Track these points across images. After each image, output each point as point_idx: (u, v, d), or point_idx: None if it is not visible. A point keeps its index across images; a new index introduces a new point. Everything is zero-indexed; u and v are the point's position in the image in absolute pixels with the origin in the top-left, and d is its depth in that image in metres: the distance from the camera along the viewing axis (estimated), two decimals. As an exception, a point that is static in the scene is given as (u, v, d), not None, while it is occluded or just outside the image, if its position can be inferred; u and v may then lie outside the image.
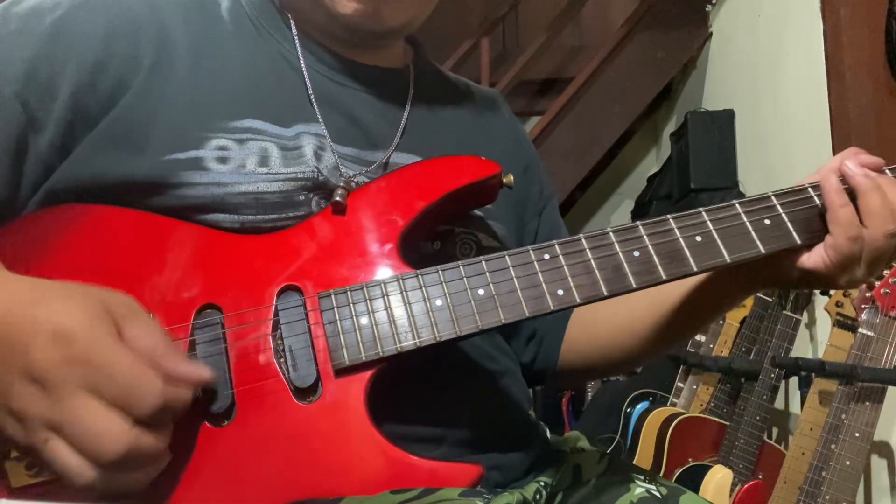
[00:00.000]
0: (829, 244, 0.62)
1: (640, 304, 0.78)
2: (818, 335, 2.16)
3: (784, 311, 1.95)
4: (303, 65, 0.72)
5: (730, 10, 3.05)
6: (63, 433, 0.46)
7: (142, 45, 0.65)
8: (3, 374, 0.47)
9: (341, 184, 0.67)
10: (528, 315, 0.59)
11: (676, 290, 0.75)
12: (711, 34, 3.23)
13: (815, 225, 0.63)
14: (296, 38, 0.73)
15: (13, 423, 0.47)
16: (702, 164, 2.88)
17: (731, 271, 0.69)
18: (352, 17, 0.70)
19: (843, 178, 0.64)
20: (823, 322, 2.08)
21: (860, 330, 1.62)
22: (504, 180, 0.69)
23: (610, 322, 0.81)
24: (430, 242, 0.72)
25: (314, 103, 0.71)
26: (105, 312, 0.49)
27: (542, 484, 0.68)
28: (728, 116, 2.91)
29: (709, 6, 3.21)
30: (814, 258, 0.63)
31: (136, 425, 0.47)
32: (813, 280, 0.65)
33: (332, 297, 0.60)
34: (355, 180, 0.68)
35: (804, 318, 2.05)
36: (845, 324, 1.74)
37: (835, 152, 2.09)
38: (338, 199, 0.64)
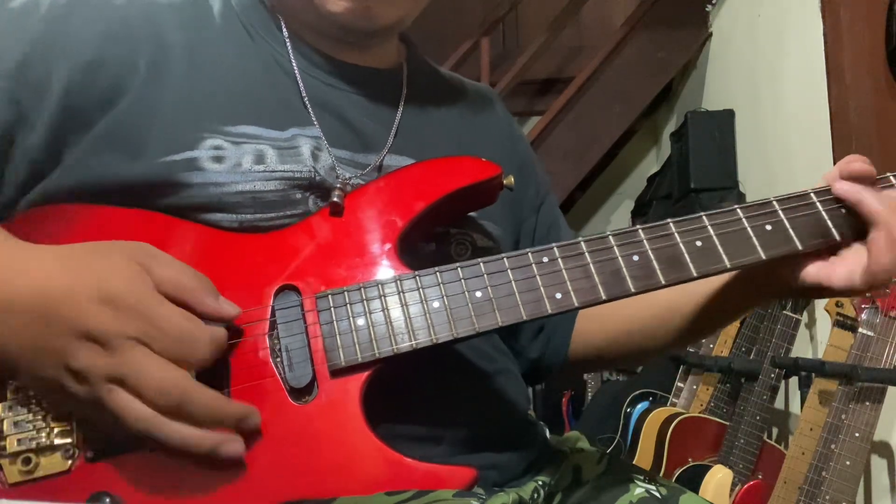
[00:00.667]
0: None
1: (652, 304, 0.78)
2: (818, 335, 2.16)
3: (784, 311, 1.95)
4: (295, 68, 0.72)
5: (730, 10, 3.05)
6: (126, 384, 0.50)
7: (138, 49, 0.65)
8: (54, 340, 0.50)
9: (338, 185, 0.66)
10: (525, 318, 0.59)
11: (691, 293, 0.75)
12: (711, 34, 3.23)
13: (818, 231, 0.63)
14: (287, 40, 0.73)
15: (73, 381, 0.51)
16: (702, 164, 2.88)
17: (745, 278, 0.69)
18: (343, 16, 0.69)
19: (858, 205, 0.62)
20: (823, 322, 2.08)
21: (860, 330, 1.62)
22: (504, 182, 0.69)
23: (622, 320, 0.82)
24: (425, 243, 0.72)
25: (308, 107, 0.70)
26: (136, 265, 0.52)
27: (541, 483, 0.68)
28: (728, 116, 2.91)
29: (709, 6, 3.21)
30: (841, 277, 0.62)
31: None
32: (830, 293, 0.64)
33: (330, 297, 0.60)
34: (351, 183, 0.68)
35: (804, 318, 2.05)
36: (845, 324, 1.74)
37: (835, 152, 2.10)
38: (335, 199, 0.64)
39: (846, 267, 0.62)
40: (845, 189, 0.63)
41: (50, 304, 0.51)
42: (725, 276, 0.71)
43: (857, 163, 0.63)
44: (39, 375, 0.52)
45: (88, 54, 0.63)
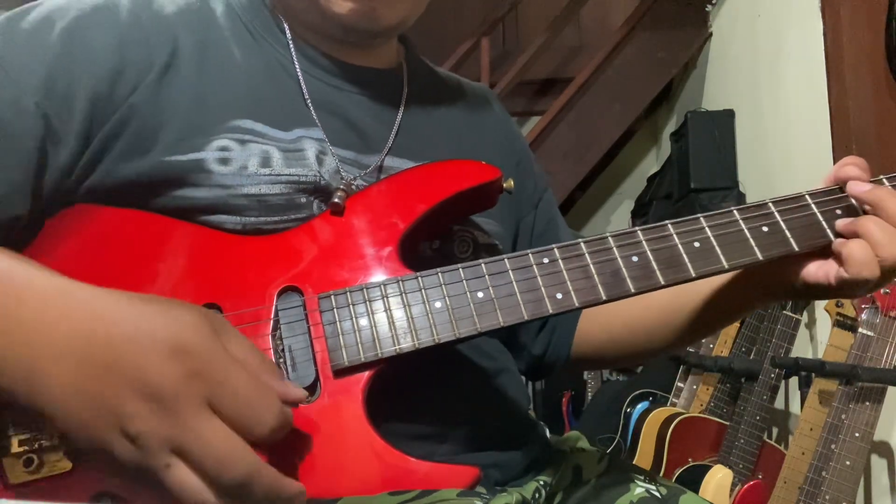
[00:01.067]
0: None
1: (654, 304, 0.78)
2: (818, 335, 2.16)
3: (784, 311, 1.95)
4: (298, 70, 0.72)
5: (730, 10, 3.06)
6: (186, 456, 0.44)
7: (154, 52, 0.65)
8: (109, 393, 0.44)
9: (342, 187, 0.67)
10: (526, 318, 0.60)
11: (692, 294, 0.75)
12: (711, 34, 3.23)
13: (813, 232, 0.63)
14: (290, 42, 0.73)
15: (126, 445, 0.44)
16: (702, 164, 2.88)
17: (747, 279, 0.69)
18: (347, 17, 0.69)
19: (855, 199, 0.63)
20: (823, 322, 2.08)
21: (860, 330, 1.63)
22: (504, 185, 0.69)
23: (625, 319, 0.82)
24: (427, 242, 0.72)
25: (311, 108, 0.71)
26: (210, 324, 0.47)
27: (542, 483, 0.68)
28: (728, 116, 2.91)
29: (709, 6, 3.22)
30: (820, 277, 0.62)
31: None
32: (832, 292, 0.64)
33: (332, 298, 0.60)
34: (355, 184, 0.69)
35: (804, 318, 2.05)
36: (845, 324, 1.74)
37: (835, 152, 2.10)
38: (336, 200, 0.64)
39: None
40: (865, 191, 0.63)
41: (110, 350, 0.44)
42: (727, 277, 0.71)
43: (850, 167, 0.64)
44: (85, 432, 0.45)
45: (109, 63, 0.63)
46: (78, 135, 0.61)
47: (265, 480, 0.45)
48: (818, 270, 0.63)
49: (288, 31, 0.74)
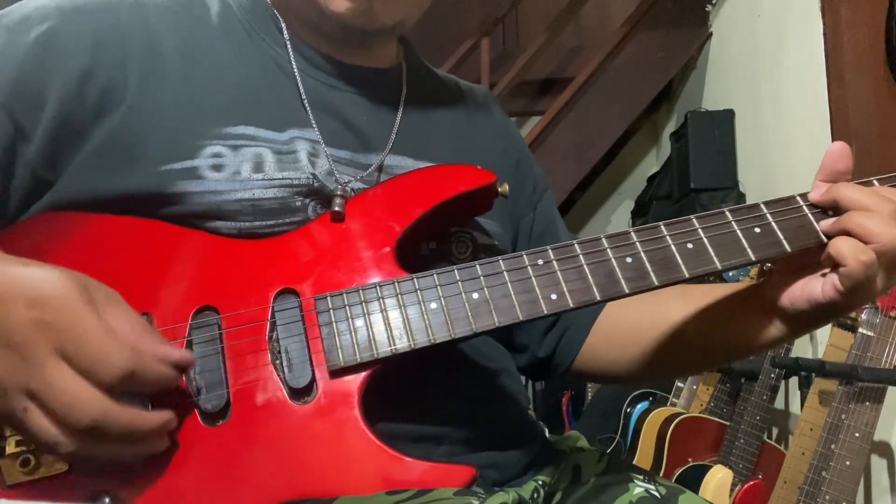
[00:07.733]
0: (842, 273, 0.59)
1: (661, 341, 0.76)
2: (818, 335, 2.16)
3: (784, 311, 1.94)
4: (295, 69, 0.72)
5: (730, 10, 3.06)
6: (38, 400, 0.47)
7: (130, 56, 0.66)
8: None
9: (338, 190, 0.67)
10: (521, 319, 0.60)
11: (709, 326, 0.74)
12: (711, 34, 3.23)
13: (805, 234, 0.63)
14: (287, 42, 0.73)
15: None
16: (702, 164, 2.88)
17: (764, 314, 0.67)
18: (345, 16, 0.69)
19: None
20: (823, 322, 2.08)
21: (860, 330, 1.63)
22: (499, 189, 0.69)
23: (638, 343, 0.79)
24: (425, 243, 0.72)
25: (307, 108, 0.71)
26: (84, 288, 0.49)
27: (541, 483, 0.68)
28: (728, 116, 2.91)
29: (709, 6, 3.22)
30: (827, 290, 0.61)
31: (108, 394, 0.48)
32: (832, 311, 0.63)
33: (328, 299, 0.60)
34: (351, 186, 0.69)
35: (804, 318, 2.04)
36: (845, 324, 1.74)
37: (834, 152, 2.10)
38: (336, 209, 0.65)
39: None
40: (821, 194, 0.63)
41: None
42: (745, 313, 0.69)
43: (827, 170, 0.64)
44: None
45: (81, 64, 0.64)
46: (46, 132, 0.62)
47: (119, 419, 0.48)
48: (825, 287, 0.61)
49: (285, 30, 0.74)
